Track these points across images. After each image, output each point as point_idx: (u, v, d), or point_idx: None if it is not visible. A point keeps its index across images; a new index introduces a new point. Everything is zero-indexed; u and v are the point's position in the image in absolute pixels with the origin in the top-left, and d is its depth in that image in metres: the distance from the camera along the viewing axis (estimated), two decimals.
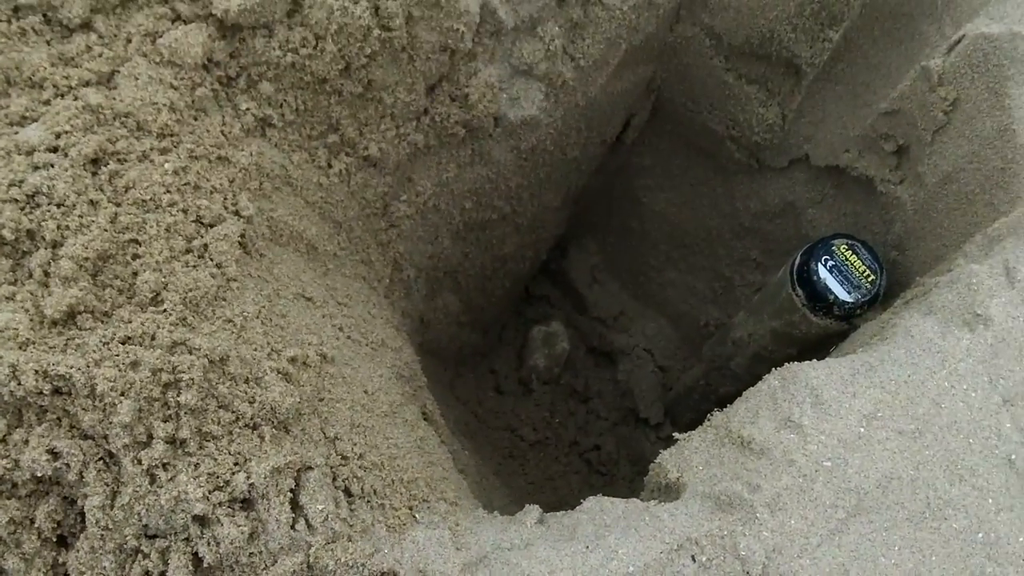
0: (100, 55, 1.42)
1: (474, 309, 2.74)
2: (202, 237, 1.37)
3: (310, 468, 1.29)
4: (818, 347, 2.05)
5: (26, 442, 1.18)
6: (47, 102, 1.36)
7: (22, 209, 1.25)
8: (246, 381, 1.28)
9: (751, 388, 1.51)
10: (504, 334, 3.30)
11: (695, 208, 2.85)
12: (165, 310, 1.28)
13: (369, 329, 1.75)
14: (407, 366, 1.86)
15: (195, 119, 1.48)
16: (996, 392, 1.41)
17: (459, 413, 2.88)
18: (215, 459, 1.21)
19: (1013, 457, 1.36)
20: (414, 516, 1.37)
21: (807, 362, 1.49)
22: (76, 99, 1.36)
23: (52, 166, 1.29)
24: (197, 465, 1.20)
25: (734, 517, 1.30)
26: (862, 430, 1.37)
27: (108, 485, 1.20)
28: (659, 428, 3.15)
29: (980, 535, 1.29)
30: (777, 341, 2.19)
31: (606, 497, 1.44)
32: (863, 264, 1.99)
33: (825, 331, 2.03)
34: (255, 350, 1.33)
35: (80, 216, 1.28)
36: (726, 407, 1.52)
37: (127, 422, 1.17)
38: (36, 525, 1.20)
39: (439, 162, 2.05)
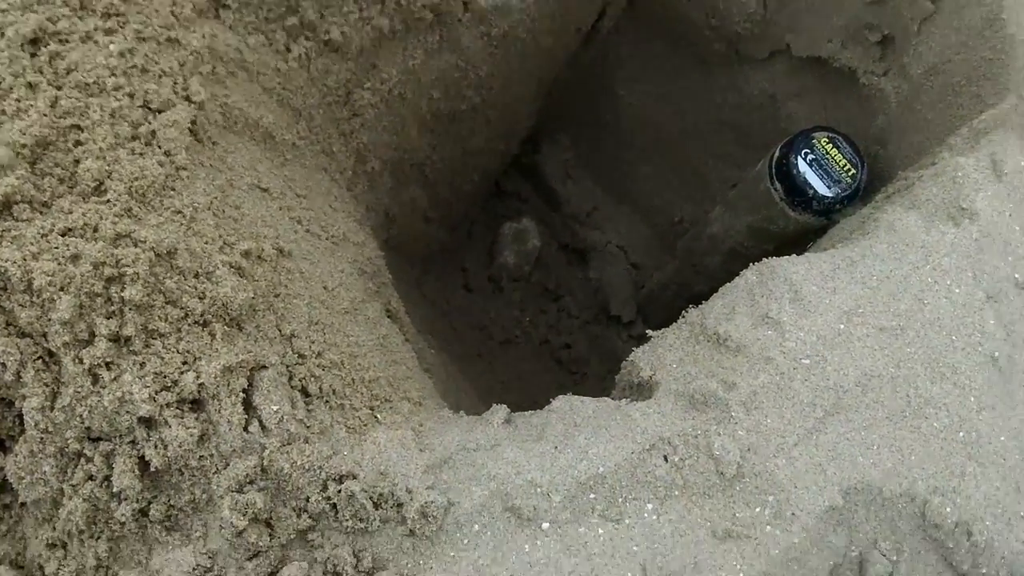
0: None
1: (442, 204, 2.66)
2: (149, 123, 1.29)
3: (264, 367, 1.23)
4: (796, 243, 2.00)
5: None
6: None
7: None
8: (196, 275, 1.22)
9: (727, 284, 1.46)
10: (473, 230, 3.24)
11: (672, 101, 2.78)
12: (109, 200, 1.21)
13: (330, 223, 1.68)
14: (370, 262, 1.79)
15: None
16: (980, 288, 1.37)
17: (426, 312, 2.83)
18: (162, 358, 1.15)
19: (996, 355, 1.32)
20: (376, 417, 1.32)
21: (786, 257, 1.44)
22: None
23: None
24: (143, 364, 1.14)
25: (708, 416, 1.26)
26: (842, 327, 1.33)
27: (48, 386, 1.14)
28: (631, 326, 3.12)
29: (961, 434, 1.26)
30: (754, 237, 2.14)
31: (576, 396, 1.40)
32: (844, 158, 1.93)
33: (803, 227, 1.98)
34: (206, 243, 1.26)
35: (18, 100, 1.20)
36: (701, 304, 1.47)
37: (67, 319, 1.11)
38: None
39: (405, 48, 1.96)
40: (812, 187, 1.91)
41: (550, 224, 3.27)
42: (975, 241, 1.40)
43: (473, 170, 2.71)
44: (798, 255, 1.46)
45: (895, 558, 1.22)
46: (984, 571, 1.22)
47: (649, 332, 1.49)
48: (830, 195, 1.91)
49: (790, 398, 1.27)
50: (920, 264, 1.38)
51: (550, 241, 3.27)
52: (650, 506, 1.20)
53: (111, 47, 1.30)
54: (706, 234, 2.39)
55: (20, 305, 1.12)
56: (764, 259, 1.45)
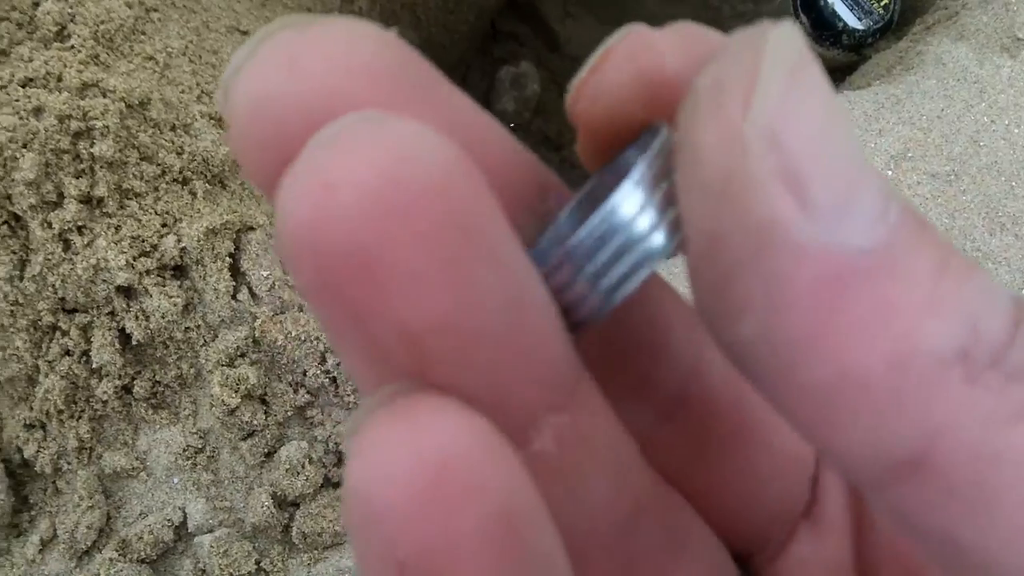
0: None
1: (435, 47, 2.53)
2: None
3: (252, 228, 1.12)
4: None
5: None
6: None
7: None
8: (172, 128, 1.11)
9: None
10: (468, 76, 3.10)
11: None
12: (73, 46, 1.10)
13: None
14: None
15: None
16: None
17: None
18: (139, 220, 1.05)
19: None
20: None
21: None
22: None
23: None
24: (118, 228, 1.04)
25: None
26: (889, 173, 1.22)
27: (15, 253, 1.04)
28: None
29: (1023, 291, 1.17)
30: None
31: None
32: None
33: (830, 63, 1.85)
34: (182, 92, 1.15)
35: None
36: None
37: (31, 179, 1.01)
38: None
39: None
40: (841, 19, 1.77)
41: (550, 67, 3.12)
42: None
43: (467, 9, 2.57)
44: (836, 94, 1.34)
45: None
46: None
47: None
48: (861, 27, 1.77)
49: None
50: (974, 102, 1.26)
51: (550, 86, 3.12)
52: None
53: None
54: None
55: None
56: None
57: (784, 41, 0.20)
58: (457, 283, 0.19)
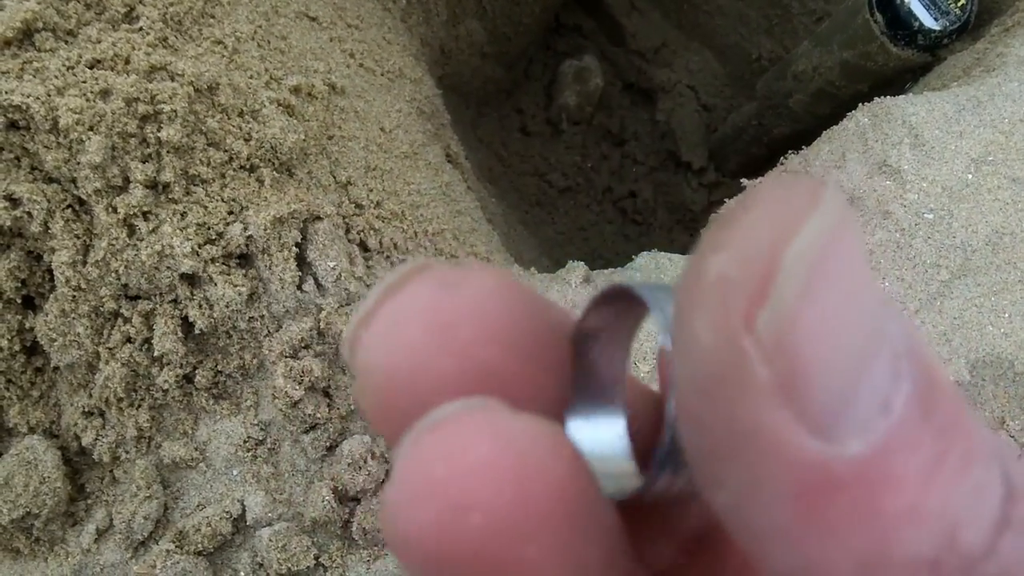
0: None
1: (500, 39, 2.51)
2: None
3: (319, 218, 1.10)
4: (892, 82, 1.83)
5: None
6: None
7: None
8: (240, 114, 1.09)
9: (834, 127, 1.31)
10: (531, 69, 3.07)
11: None
12: (141, 28, 1.08)
13: (384, 56, 1.53)
14: (428, 100, 1.65)
15: None
16: None
17: (482, 157, 2.71)
18: (205, 207, 1.03)
19: None
20: None
21: (902, 96, 1.28)
22: None
23: None
24: (184, 214, 1.02)
25: None
26: (970, 177, 1.18)
27: (79, 238, 1.03)
28: (702, 173, 2.96)
29: None
30: (847, 75, 1.97)
31: (662, 252, 1.27)
32: None
33: (904, 64, 1.80)
34: (250, 78, 1.14)
35: None
36: (797, 150, 1.32)
37: (98, 162, 0.99)
38: None
39: None
40: (917, 18, 1.72)
41: (614, 61, 3.09)
42: None
43: (533, 1, 2.54)
44: (913, 95, 1.29)
45: None
46: None
47: (744, 182, 1.34)
48: (937, 28, 1.72)
49: (911, 258, 1.13)
50: None
51: (614, 80, 3.09)
52: None
53: None
54: (791, 72, 2.22)
55: (45, 147, 1.00)
56: (876, 99, 1.29)
57: (812, 234, 0.19)
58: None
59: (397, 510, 0.19)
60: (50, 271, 1.04)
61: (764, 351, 0.18)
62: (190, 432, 1.08)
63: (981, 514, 0.19)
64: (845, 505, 0.19)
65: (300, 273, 1.07)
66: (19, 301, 1.05)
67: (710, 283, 0.19)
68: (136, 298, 1.04)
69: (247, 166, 1.07)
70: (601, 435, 0.26)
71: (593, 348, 0.26)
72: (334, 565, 1.07)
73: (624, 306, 0.25)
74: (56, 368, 1.09)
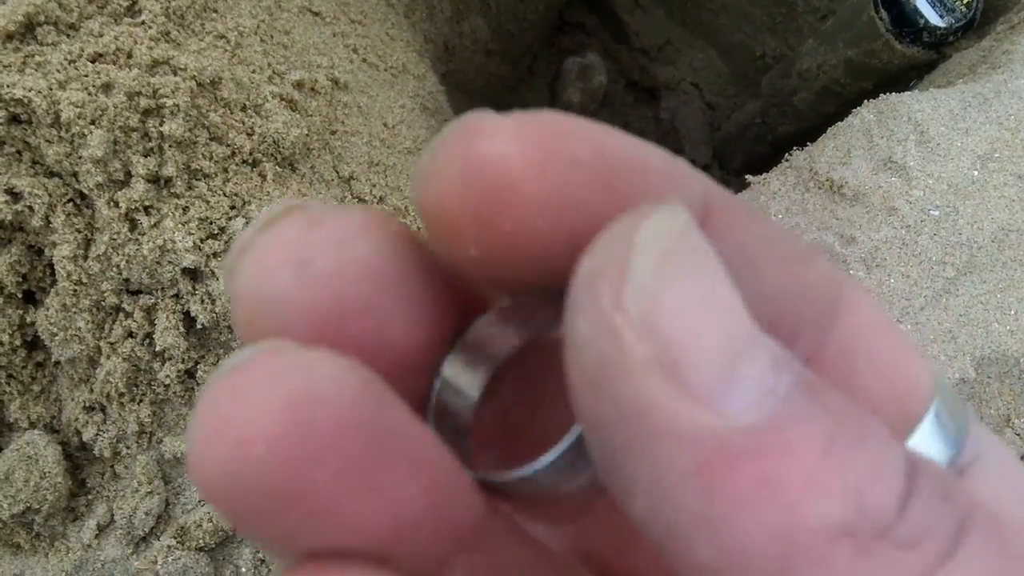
0: None
1: (504, 36, 2.50)
2: None
3: None
4: (897, 80, 1.83)
5: None
6: None
7: None
8: (243, 108, 1.08)
9: (839, 123, 1.30)
10: (535, 66, 3.07)
11: None
12: (144, 22, 1.08)
13: (388, 52, 1.53)
14: (432, 97, 1.65)
15: None
16: None
17: None
18: (207, 201, 1.03)
19: None
20: None
21: (908, 93, 1.27)
22: None
23: None
24: (186, 208, 1.02)
25: None
26: (976, 173, 1.18)
27: (80, 232, 1.02)
28: (706, 171, 2.96)
29: None
30: (851, 73, 1.96)
31: None
32: None
33: (909, 61, 1.80)
34: (253, 72, 1.13)
35: None
36: (802, 147, 1.32)
37: (99, 156, 0.99)
38: None
39: None
40: (923, 16, 1.72)
41: (617, 59, 3.08)
42: None
43: None
44: (919, 92, 1.29)
45: None
46: None
47: (749, 178, 1.34)
48: (943, 25, 1.71)
49: (917, 255, 1.13)
50: None
51: (617, 78, 3.09)
52: None
53: None
54: (795, 70, 2.21)
55: (47, 140, 1.00)
56: (881, 95, 1.29)
57: (658, 226, 0.21)
58: (380, 504, 0.21)
59: (193, 457, 0.20)
60: (51, 265, 1.04)
61: (637, 328, 0.20)
62: None
63: (885, 482, 0.20)
64: (747, 477, 0.19)
65: None
66: (20, 296, 1.05)
67: (582, 281, 0.21)
68: (138, 293, 1.04)
69: (250, 161, 1.07)
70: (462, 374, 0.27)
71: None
72: None
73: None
74: (57, 363, 1.09)
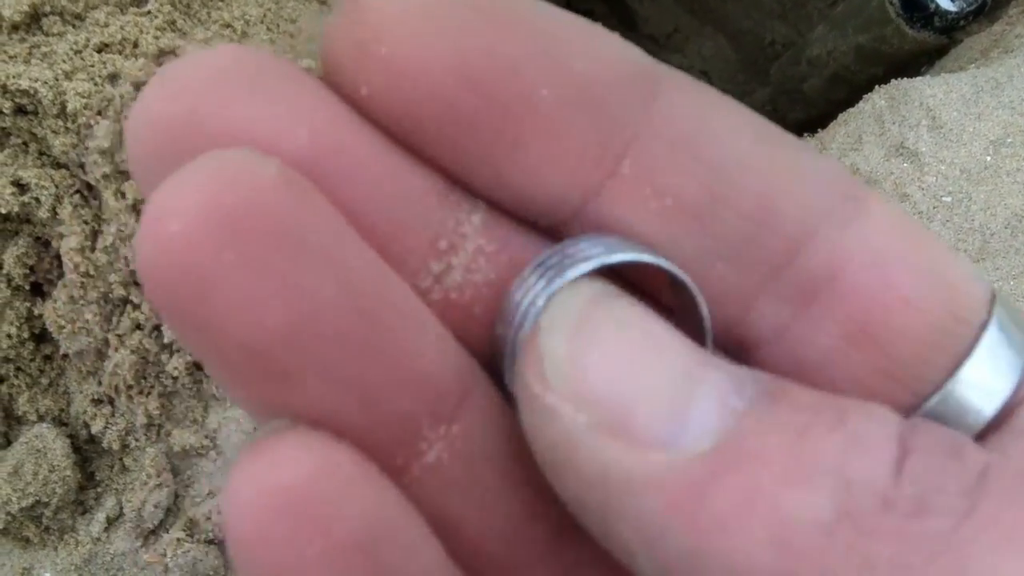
0: None
1: None
2: None
3: None
4: (908, 66, 1.83)
5: None
6: None
7: None
8: None
9: (850, 110, 1.31)
10: None
11: None
12: (149, 12, 1.09)
13: None
14: None
15: None
16: None
17: None
18: None
19: None
20: None
21: (919, 78, 1.27)
22: None
23: None
24: None
25: None
26: (989, 159, 1.18)
27: (87, 223, 1.03)
28: None
29: None
30: (862, 59, 1.96)
31: None
32: None
33: (920, 46, 1.80)
34: None
35: None
36: (813, 133, 1.32)
37: (106, 147, 0.99)
38: (5, 271, 1.05)
39: None
40: (934, 0, 1.72)
41: None
42: None
43: None
44: (931, 77, 1.29)
45: None
46: None
47: None
48: (954, 9, 1.71)
49: None
50: None
51: None
52: None
53: None
54: (805, 57, 2.22)
55: (53, 131, 1.01)
56: (893, 81, 1.29)
57: (560, 304, 0.22)
58: (288, 295, 0.20)
59: (137, 255, 0.20)
60: (58, 257, 1.05)
61: (571, 400, 0.21)
62: (200, 420, 1.08)
63: (871, 449, 0.20)
64: (723, 496, 0.19)
65: None
66: (27, 288, 1.06)
67: (516, 383, 0.22)
68: None
69: None
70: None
71: None
72: None
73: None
74: (65, 355, 1.09)
